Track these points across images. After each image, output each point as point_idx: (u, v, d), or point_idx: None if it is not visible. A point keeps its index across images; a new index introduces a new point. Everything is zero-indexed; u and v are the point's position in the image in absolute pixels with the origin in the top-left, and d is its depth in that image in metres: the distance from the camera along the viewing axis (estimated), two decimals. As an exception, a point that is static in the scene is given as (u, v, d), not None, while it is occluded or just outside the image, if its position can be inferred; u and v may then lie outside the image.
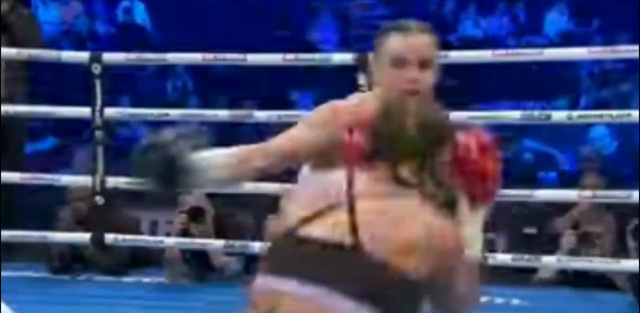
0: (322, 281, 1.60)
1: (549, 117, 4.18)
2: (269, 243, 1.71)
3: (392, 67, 2.01)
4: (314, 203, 1.66)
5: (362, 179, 1.68)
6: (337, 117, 2.02)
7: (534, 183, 6.36)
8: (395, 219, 1.64)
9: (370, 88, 2.11)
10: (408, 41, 2.02)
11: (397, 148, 1.70)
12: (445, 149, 1.72)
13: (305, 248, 1.63)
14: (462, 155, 1.73)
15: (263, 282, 1.65)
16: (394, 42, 2.02)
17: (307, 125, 2.06)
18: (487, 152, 1.75)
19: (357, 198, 1.65)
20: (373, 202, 1.66)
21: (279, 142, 2.03)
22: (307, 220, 1.64)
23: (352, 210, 1.64)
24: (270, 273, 1.64)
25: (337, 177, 1.70)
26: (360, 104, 2.04)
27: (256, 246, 4.39)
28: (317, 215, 1.64)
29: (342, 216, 1.64)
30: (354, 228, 1.62)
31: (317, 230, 1.63)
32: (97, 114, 4.49)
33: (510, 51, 4.56)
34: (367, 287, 1.60)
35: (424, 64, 2.01)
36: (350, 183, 1.67)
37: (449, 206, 1.72)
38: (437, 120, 1.74)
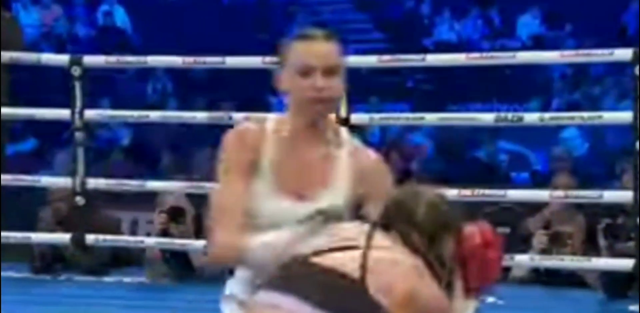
0: (321, 304, 1.74)
1: (521, 119, 4.26)
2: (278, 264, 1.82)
3: (298, 75, 2.00)
4: (332, 241, 1.81)
5: (380, 234, 1.84)
6: (245, 142, 2.02)
7: (507, 183, 6.47)
8: (405, 272, 1.79)
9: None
10: (312, 49, 2.01)
11: (407, 228, 1.85)
12: (452, 236, 1.85)
13: (314, 272, 1.77)
14: (467, 246, 1.86)
15: (264, 295, 1.77)
16: (299, 51, 2.01)
17: (232, 171, 2.00)
18: (490, 247, 1.86)
19: (373, 248, 1.80)
20: (387, 253, 1.80)
21: (238, 210, 1.98)
22: (322, 252, 1.79)
23: (365, 255, 1.79)
24: (273, 288, 1.77)
25: (359, 227, 1.86)
26: (276, 125, 2.03)
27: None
28: (333, 250, 1.80)
29: (356, 255, 1.79)
30: (363, 266, 1.77)
31: (328, 260, 1.78)
32: (77, 115, 4.55)
33: (484, 54, 4.64)
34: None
35: (330, 71, 2.00)
36: (370, 236, 1.82)
37: (448, 287, 1.85)
38: (447, 208, 1.88)
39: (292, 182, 2.01)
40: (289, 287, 1.76)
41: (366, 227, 1.87)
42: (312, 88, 2.00)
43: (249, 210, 1.98)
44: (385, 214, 1.87)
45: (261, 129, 2.03)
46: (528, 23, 9.86)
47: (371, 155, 2.09)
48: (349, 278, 1.76)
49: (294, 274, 1.78)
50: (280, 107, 9.41)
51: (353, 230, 1.86)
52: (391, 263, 1.79)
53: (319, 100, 2.00)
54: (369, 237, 1.82)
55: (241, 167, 2.00)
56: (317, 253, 1.79)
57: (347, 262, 1.78)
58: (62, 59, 4.69)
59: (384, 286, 1.75)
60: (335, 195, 2.01)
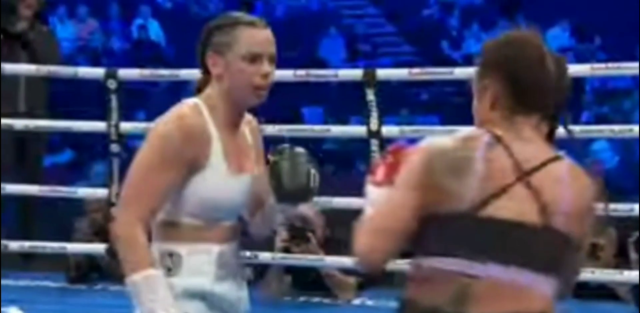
0: (511, 261, 1.63)
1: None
2: (446, 225, 1.66)
3: (244, 61, 1.99)
4: (484, 186, 1.64)
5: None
6: (184, 131, 2.00)
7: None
8: (570, 184, 1.65)
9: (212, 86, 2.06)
10: (260, 36, 2.01)
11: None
12: None
13: (492, 229, 1.63)
14: None
15: (448, 263, 1.64)
16: (246, 37, 1.99)
17: (166, 162, 1.98)
18: None
19: (529, 175, 1.64)
20: (543, 173, 1.65)
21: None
22: (485, 203, 1.64)
23: (530, 186, 1.63)
24: (456, 255, 1.64)
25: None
26: (209, 110, 2.01)
27: (267, 256, 4.51)
28: (494, 196, 1.64)
29: (522, 194, 1.63)
30: (543, 208, 1.63)
31: (500, 211, 1.63)
32: (113, 128, 4.64)
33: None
34: (553, 260, 1.65)
35: (271, 59, 2.02)
36: (517, 165, 1.64)
37: None
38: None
39: (236, 162, 2.05)
40: (474, 254, 1.63)
41: (487, 137, 1.66)
42: (259, 74, 2.00)
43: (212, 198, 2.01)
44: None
45: (202, 119, 2.02)
46: (557, 36, 9.87)
47: (253, 121, 2.16)
48: (531, 226, 1.63)
49: (471, 237, 1.63)
50: (312, 119, 9.49)
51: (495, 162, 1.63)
52: (554, 182, 1.64)
53: (264, 87, 2.02)
54: (517, 166, 1.63)
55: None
56: (481, 204, 1.63)
57: (520, 207, 1.63)
58: (98, 72, 4.79)
59: (562, 214, 1.64)
60: (258, 167, 2.10)
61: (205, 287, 2.03)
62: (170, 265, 2.02)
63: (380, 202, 1.73)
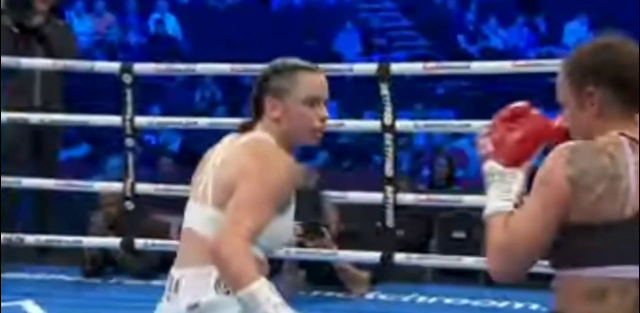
0: None
1: (566, 126, 4.26)
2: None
3: (305, 105, 2.08)
4: (618, 207, 1.63)
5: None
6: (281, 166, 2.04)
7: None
8: None
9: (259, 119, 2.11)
10: (320, 80, 2.12)
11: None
12: None
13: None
14: None
15: (621, 271, 1.62)
16: (307, 81, 2.10)
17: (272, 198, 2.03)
18: None
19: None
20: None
21: None
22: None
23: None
24: (628, 262, 1.62)
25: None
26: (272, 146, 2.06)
27: (280, 251, 4.52)
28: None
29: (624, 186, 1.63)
30: None
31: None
32: (128, 122, 4.65)
33: (530, 62, 4.65)
34: None
35: (326, 103, 2.13)
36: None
37: None
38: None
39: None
40: (626, 259, 1.63)
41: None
42: (319, 118, 2.09)
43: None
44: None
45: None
46: (575, 30, 9.81)
47: None
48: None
49: (625, 242, 1.61)
50: (328, 113, 9.48)
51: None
52: None
53: (321, 130, 2.11)
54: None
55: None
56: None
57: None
58: (114, 66, 4.81)
59: None
60: None
61: None
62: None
63: (519, 219, 1.69)
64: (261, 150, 2.05)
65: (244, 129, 2.12)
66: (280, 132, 2.10)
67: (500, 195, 1.78)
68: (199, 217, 2.06)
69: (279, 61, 2.15)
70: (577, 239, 1.65)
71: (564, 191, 1.66)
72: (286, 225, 2.08)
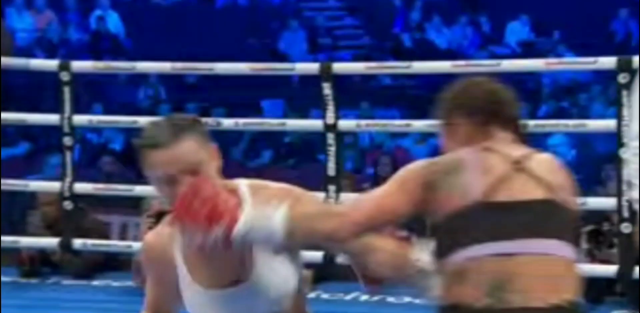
0: (535, 233, 1.79)
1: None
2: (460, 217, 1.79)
3: (164, 185, 1.86)
4: (486, 178, 1.82)
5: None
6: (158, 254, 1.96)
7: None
8: (556, 168, 1.89)
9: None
10: (164, 158, 1.84)
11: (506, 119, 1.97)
12: None
13: (507, 210, 1.80)
14: None
15: (485, 250, 1.76)
16: (153, 162, 1.85)
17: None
18: None
19: (521, 163, 1.84)
20: (532, 161, 1.86)
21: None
22: (493, 190, 1.81)
23: (525, 171, 1.83)
24: (490, 240, 1.77)
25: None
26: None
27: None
28: (498, 183, 1.81)
29: (522, 179, 1.82)
30: (545, 186, 1.82)
31: (504, 195, 1.81)
32: (66, 121, 4.58)
33: (469, 62, 4.68)
34: (565, 229, 1.83)
35: (193, 172, 1.84)
36: (507, 157, 1.85)
37: None
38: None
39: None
40: (504, 235, 1.78)
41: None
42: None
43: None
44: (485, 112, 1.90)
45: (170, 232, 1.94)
46: (517, 30, 9.93)
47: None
48: (542, 201, 1.81)
49: (495, 221, 1.78)
50: (272, 111, 9.47)
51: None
52: (539, 164, 1.86)
53: None
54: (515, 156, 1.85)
55: None
56: (490, 191, 1.80)
57: (525, 189, 1.81)
58: (51, 64, 4.73)
59: (560, 189, 1.84)
60: None
61: None
62: None
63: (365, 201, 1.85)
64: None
65: None
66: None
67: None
68: None
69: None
70: (440, 231, 1.82)
71: (419, 194, 1.84)
72: None
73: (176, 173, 1.85)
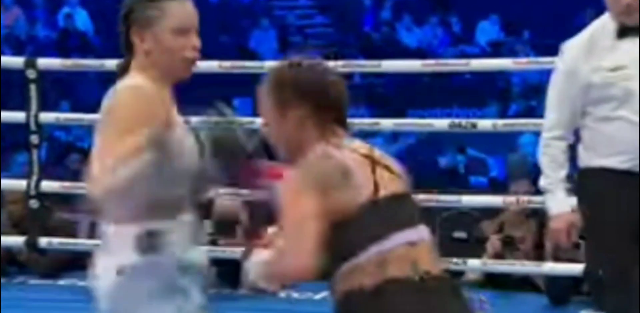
0: (414, 223, 1.99)
1: (475, 125, 4.32)
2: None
3: (174, 35, 2.01)
4: (363, 177, 1.95)
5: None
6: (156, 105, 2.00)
7: (466, 188, 6.54)
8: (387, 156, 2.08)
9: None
10: (188, 9, 2.05)
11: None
12: None
13: (394, 203, 1.97)
14: None
15: (395, 239, 1.93)
16: (175, 10, 2.02)
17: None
18: None
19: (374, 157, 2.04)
20: (379, 155, 2.04)
21: None
22: (376, 188, 1.96)
23: (381, 165, 2.03)
24: (392, 231, 1.94)
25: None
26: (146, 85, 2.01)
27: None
28: (376, 180, 1.98)
29: (384, 174, 2.00)
30: (402, 178, 2.03)
31: (388, 189, 1.97)
32: (32, 118, 4.53)
33: (439, 61, 4.69)
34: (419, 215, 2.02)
35: (196, 32, 2.06)
36: (364, 155, 2.00)
37: None
38: None
39: None
40: (403, 224, 1.95)
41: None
42: (192, 47, 2.04)
43: None
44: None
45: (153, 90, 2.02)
46: (487, 30, 9.98)
47: None
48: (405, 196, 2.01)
49: (391, 214, 1.94)
50: (243, 110, 9.44)
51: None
52: (388, 159, 2.05)
53: (194, 60, 2.06)
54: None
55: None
56: (375, 191, 1.94)
57: (396, 183, 1.99)
58: (17, 61, 4.68)
59: None
60: None
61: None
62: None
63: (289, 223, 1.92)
64: (128, 101, 1.99)
65: (122, 71, 2.06)
66: (152, 67, 2.03)
67: None
68: None
69: None
70: (340, 233, 1.92)
71: (316, 199, 1.91)
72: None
73: (194, 27, 2.04)
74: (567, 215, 2.85)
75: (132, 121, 1.96)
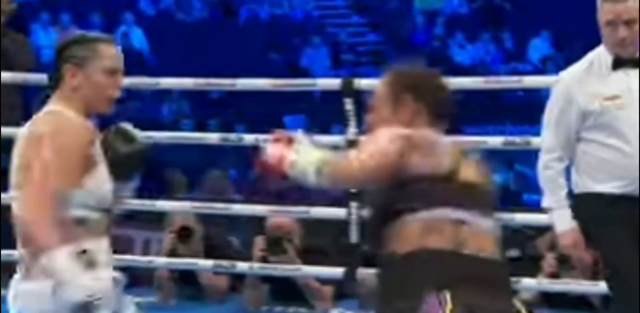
0: (477, 209, 2.16)
1: (529, 142, 4.29)
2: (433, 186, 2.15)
3: (104, 74, 2.26)
4: (449, 159, 2.16)
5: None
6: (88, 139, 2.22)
7: (519, 205, 6.48)
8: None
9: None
10: (117, 51, 2.31)
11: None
12: None
13: (464, 188, 2.16)
14: None
15: (443, 213, 2.11)
16: (107, 53, 2.28)
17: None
18: None
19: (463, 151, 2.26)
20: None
21: None
22: (457, 169, 2.17)
23: (473, 160, 2.25)
24: (447, 206, 2.12)
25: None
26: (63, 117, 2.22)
27: (244, 266, 4.49)
28: (459, 165, 2.18)
29: (471, 164, 2.23)
30: (484, 175, 2.25)
31: (465, 175, 2.18)
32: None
33: (492, 78, 4.67)
34: (492, 209, 2.23)
35: (121, 72, 2.32)
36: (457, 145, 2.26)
37: None
38: None
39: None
40: (458, 205, 2.13)
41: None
42: (117, 87, 2.29)
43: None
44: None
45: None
46: (539, 46, 9.92)
47: None
48: (479, 185, 2.23)
49: (454, 194, 2.14)
50: (294, 127, 9.49)
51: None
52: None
53: (114, 99, 2.30)
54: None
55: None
56: (454, 172, 2.16)
57: (475, 174, 2.22)
58: (76, 80, 4.75)
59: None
60: None
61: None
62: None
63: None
64: (51, 120, 2.21)
65: (45, 101, 2.28)
66: (78, 100, 2.25)
67: None
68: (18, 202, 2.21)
69: (77, 33, 2.34)
70: (407, 189, 2.12)
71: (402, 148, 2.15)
72: (98, 181, 2.23)
73: (120, 69, 2.29)
74: (572, 231, 3.07)
75: (70, 152, 2.17)
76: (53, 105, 2.25)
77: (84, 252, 2.14)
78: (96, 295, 2.12)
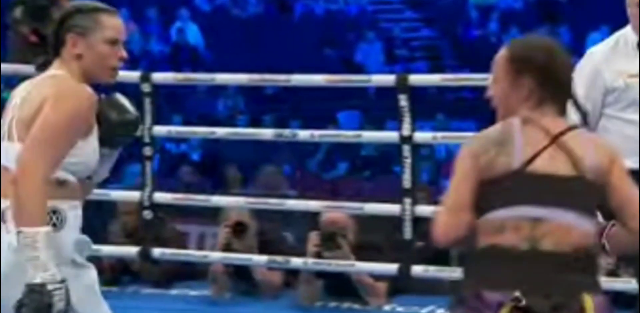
0: (559, 205, 2.07)
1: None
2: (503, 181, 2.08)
3: (105, 44, 2.29)
4: (525, 149, 2.08)
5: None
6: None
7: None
8: (596, 144, 2.12)
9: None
10: (119, 23, 2.34)
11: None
12: None
13: (539, 181, 2.07)
14: None
15: (517, 210, 2.06)
16: (109, 23, 2.31)
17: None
18: None
19: (559, 138, 2.09)
20: (569, 137, 2.09)
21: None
22: (529, 162, 2.08)
23: (561, 146, 2.09)
24: (523, 203, 2.06)
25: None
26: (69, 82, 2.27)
27: (298, 261, 4.51)
28: (535, 156, 2.08)
29: (556, 153, 2.09)
30: (575, 162, 2.08)
31: (541, 167, 2.08)
32: (146, 131, 4.66)
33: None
34: (588, 203, 2.09)
35: (123, 43, 2.35)
36: (547, 132, 2.09)
37: None
38: None
39: None
40: (535, 200, 2.06)
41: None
42: (118, 57, 2.32)
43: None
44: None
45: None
46: (597, 41, 9.74)
47: None
48: (569, 177, 2.08)
49: (527, 189, 2.06)
50: (347, 123, 9.49)
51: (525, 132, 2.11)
52: (583, 142, 2.09)
53: (117, 69, 2.34)
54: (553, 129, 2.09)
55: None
56: (527, 163, 2.07)
57: (556, 163, 2.08)
58: (133, 75, 4.81)
59: (591, 165, 2.08)
60: None
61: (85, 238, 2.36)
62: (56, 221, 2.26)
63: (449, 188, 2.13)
64: (56, 83, 2.25)
65: (43, 66, 2.33)
66: (79, 69, 2.29)
67: None
68: (10, 153, 2.24)
69: (80, 2, 2.35)
70: (484, 193, 2.09)
71: (470, 162, 2.11)
72: (90, 148, 2.29)
73: (122, 40, 2.33)
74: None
75: (72, 116, 2.22)
76: (55, 70, 2.29)
77: (55, 212, 2.23)
78: (55, 284, 2.16)
